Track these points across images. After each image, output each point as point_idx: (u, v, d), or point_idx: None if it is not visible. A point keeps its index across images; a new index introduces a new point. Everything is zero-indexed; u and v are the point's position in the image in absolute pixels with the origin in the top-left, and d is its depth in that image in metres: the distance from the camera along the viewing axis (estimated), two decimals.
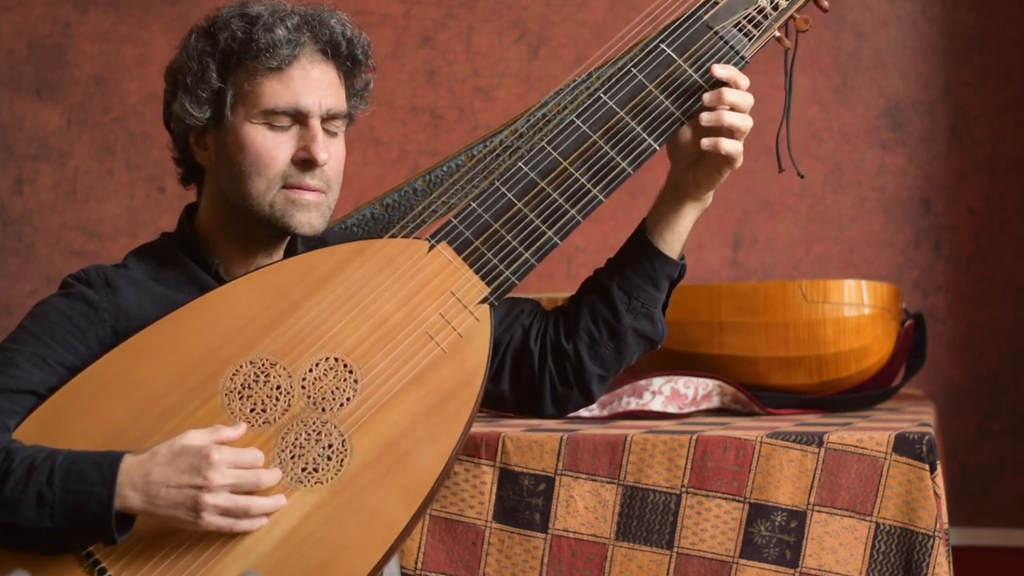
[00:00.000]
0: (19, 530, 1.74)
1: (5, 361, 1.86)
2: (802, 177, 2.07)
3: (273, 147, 1.92)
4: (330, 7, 1.98)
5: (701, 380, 2.52)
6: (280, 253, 2.02)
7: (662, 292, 2.00)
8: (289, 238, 2.02)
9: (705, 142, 1.91)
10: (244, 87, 1.93)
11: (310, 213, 1.94)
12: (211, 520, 1.73)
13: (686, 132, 1.95)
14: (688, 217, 1.99)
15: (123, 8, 3.45)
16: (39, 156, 3.46)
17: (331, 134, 1.96)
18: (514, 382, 2.03)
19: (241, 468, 1.75)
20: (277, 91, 1.92)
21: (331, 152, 1.95)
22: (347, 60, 1.97)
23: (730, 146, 1.91)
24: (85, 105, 3.45)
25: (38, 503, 1.73)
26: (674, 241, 2.00)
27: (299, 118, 1.93)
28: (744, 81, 1.93)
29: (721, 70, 1.91)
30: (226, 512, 1.74)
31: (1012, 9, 3.21)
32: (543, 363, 2.02)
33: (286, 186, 1.93)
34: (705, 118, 1.91)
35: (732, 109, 1.91)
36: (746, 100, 1.92)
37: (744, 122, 1.92)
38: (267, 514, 1.77)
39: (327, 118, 1.95)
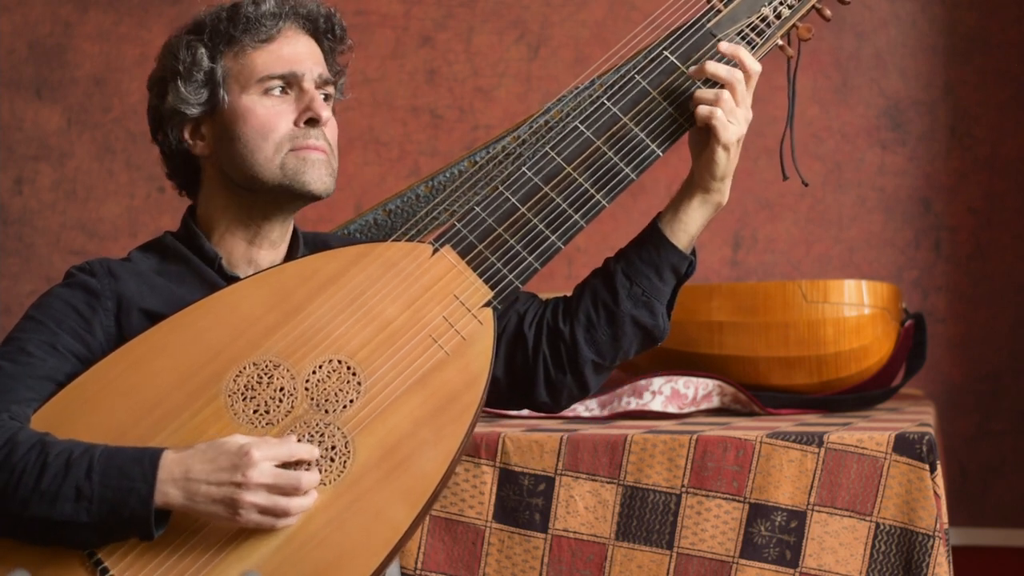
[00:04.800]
0: (54, 524, 1.74)
1: (16, 349, 1.86)
2: (806, 185, 2.07)
3: (274, 114, 1.95)
4: None
5: (701, 380, 2.53)
6: (284, 245, 2.03)
7: (666, 284, 1.98)
8: (291, 238, 2.03)
9: (702, 109, 1.91)
10: (235, 64, 1.97)
11: (320, 170, 1.96)
12: (250, 518, 1.74)
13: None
14: (696, 209, 1.96)
15: (123, 8, 3.44)
16: (39, 156, 3.46)
17: (324, 98, 1.99)
18: (508, 367, 2.01)
19: (283, 465, 1.75)
20: (268, 61, 1.96)
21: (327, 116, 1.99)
22: (327, 34, 2.02)
23: (705, 111, 1.90)
24: (85, 105, 3.45)
25: (76, 497, 1.73)
26: (680, 231, 1.97)
27: (294, 82, 1.96)
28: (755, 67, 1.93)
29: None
30: (265, 511, 1.74)
31: (1012, 9, 3.22)
32: (537, 347, 2.00)
33: (293, 148, 1.95)
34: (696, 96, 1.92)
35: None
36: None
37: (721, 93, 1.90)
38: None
39: (319, 84, 1.98)
